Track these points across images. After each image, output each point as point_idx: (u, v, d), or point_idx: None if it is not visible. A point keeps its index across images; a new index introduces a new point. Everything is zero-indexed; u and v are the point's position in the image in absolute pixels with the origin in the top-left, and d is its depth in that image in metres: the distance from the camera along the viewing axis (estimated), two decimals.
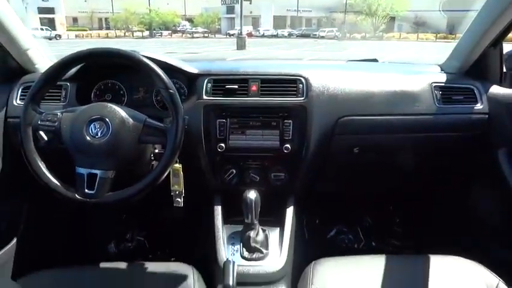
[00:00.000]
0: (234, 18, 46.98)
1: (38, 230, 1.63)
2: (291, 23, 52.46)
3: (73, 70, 1.27)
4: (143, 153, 1.17)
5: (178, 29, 45.93)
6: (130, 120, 1.06)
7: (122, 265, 1.17)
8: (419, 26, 38.59)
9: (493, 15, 1.30)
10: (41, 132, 1.07)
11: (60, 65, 1.08)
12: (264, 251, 1.22)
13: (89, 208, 1.70)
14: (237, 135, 1.36)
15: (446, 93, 1.44)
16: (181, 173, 1.18)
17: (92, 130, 1.03)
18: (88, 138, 1.02)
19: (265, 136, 1.35)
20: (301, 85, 1.35)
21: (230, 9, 48.95)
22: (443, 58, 1.62)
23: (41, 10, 39.99)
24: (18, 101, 1.37)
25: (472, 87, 1.46)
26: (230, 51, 19.39)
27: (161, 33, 42.37)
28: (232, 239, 1.29)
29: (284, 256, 1.22)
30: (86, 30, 41.88)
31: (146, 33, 42.03)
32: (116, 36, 39.09)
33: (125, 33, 41.28)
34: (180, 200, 1.21)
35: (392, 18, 39.68)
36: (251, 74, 1.38)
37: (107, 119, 1.04)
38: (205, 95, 1.35)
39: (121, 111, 1.06)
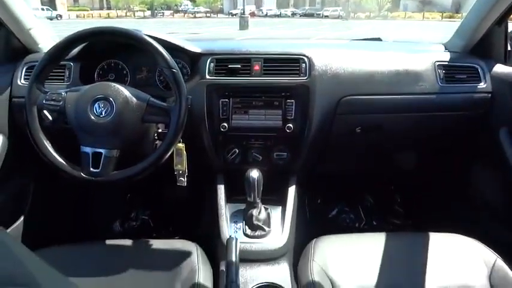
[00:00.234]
0: None
1: (44, 209, 1.65)
2: (295, 2, 51.67)
3: (76, 50, 1.27)
4: (147, 132, 1.18)
5: (180, 9, 45.39)
6: (134, 99, 1.06)
7: (128, 242, 1.19)
8: (425, 4, 37.95)
9: None
10: (46, 112, 1.08)
11: (64, 44, 1.08)
12: (266, 228, 1.24)
13: (93, 187, 1.72)
14: (240, 115, 1.36)
15: (450, 72, 1.43)
16: (185, 152, 1.19)
17: (96, 109, 1.04)
18: (92, 117, 1.04)
19: (267, 116, 1.36)
20: (304, 64, 1.35)
21: None
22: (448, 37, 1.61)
23: None
24: (23, 81, 1.38)
25: (475, 66, 1.45)
26: (232, 32, 19.16)
27: (163, 13, 41.90)
28: (235, 217, 1.31)
29: (286, 234, 1.24)
30: (87, 10, 41.45)
31: (148, 13, 41.54)
32: (117, 16, 38.65)
33: (126, 13, 40.81)
34: (184, 180, 1.23)
35: None
36: (254, 54, 1.37)
37: (111, 99, 1.05)
38: (208, 74, 1.34)
39: (125, 91, 1.06)
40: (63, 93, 1.08)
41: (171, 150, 1.08)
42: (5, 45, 1.42)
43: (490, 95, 1.43)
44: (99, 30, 1.09)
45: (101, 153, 1.04)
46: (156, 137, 1.22)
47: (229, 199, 1.37)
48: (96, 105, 1.05)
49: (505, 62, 1.47)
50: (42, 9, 29.49)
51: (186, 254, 1.11)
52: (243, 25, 20.43)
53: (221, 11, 48.09)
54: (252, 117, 1.36)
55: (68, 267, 0.59)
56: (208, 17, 41.21)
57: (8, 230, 1.43)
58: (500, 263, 1.06)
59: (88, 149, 1.05)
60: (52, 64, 1.10)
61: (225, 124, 1.35)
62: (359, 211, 2.09)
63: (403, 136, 1.52)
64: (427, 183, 1.98)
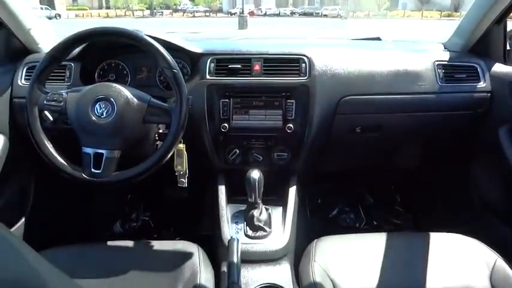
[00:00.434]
0: None
1: (45, 210, 1.65)
2: (294, 1, 51.65)
3: (76, 50, 1.27)
4: (148, 133, 1.18)
5: (179, 8, 45.35)
6: (135, 100, 1.06)
7: (129, 243, 1.19)
8: (424, 3, 37.96)
9: None
10: (47, 112, 1.08)
11: (64, 44, 1.08)
12: (268, 229, 1.24)
13: (94, 188, 1.72)
14: (240, 115, 1.36)
15: (449, 71, 1.43)
16: (185, 153, 1.19)
17: (97, 110, 1.04)
18: (93, 118, 1.04)
19: (268, 116, 1.36)
20: (304, 64, 1.35)
21: None
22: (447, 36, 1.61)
23: None
24: (23, 81, 1.38)
25: (475, 65, 1.46)
26: (231, 31, 19.14)
27: (162, 12, 41.88)
28: (236, 217, 1.30)
29: (287, 234, 1.24)
30: (85, 10, 41.40)
31: (147, 12, 41.51)
32: (116, 16, 38.64)
33: (125, 13, 40.79)
34: (184, 180, 1.23)
35: None
36: (254, 54, 1.38)
37: (112, 99, 1.05)
38: (209, 74, 1.34)
39: (126, 91, 1.06)
40: (64, 93, 1.08)
41: (172, 151, 1.08)
42: (6, 45, 1.41)
43: (489, 94, 1.43)
44: (100, 31, 1.09)
45: (102, 154, 1.04)
46: (156, 138, 1.22)
47: (230, 200, 1.37)
48: (97, 105, 1.05)
49: (504, 61, 1.48)
50: (41, 8, 29.46)
51: (188, 255, 1.11)
52: (242, 24, 20.41)
53: (220, 10, 48.07)
54: (252, 117, 1.36)
55: (69, 269, 0.59)
56: (208, 16, 41.20)
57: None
58: (501, 263, 1.06)
59: (89, 150, 1.05)
60: (53, 64, 1.10)
61: (226, 124, 1.35)
62: (359, 211, 2.09)
63: (403, 136, 1.52)
64: (427, 182, 1.99)
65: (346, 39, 2.01)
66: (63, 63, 1.26)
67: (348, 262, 1.09)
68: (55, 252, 1.11)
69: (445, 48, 1.58)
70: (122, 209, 2.05)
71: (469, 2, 1.48)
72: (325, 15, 36.57)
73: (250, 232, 1.23)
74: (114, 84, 1.08)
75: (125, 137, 1.07)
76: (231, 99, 1.35)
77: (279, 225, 1.28)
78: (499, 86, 1.42)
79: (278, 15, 40.73)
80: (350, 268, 1.07)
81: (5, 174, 1.32)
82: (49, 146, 1.07)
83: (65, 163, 1.07)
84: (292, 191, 1.39)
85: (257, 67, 1.35)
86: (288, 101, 1.35)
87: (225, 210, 1.32)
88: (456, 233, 1.19)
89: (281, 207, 1.36)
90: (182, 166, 1.20)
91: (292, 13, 42.49)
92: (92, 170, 1.04)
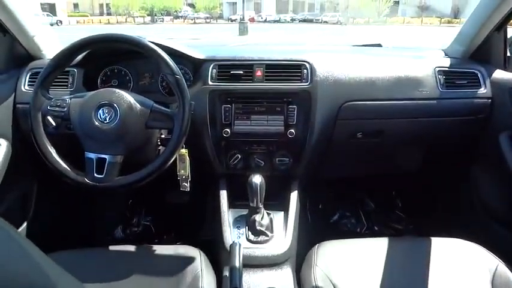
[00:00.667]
0: (236, 3, 46.43)
1: (47, 215, 1.66)
2: (294, 7, 51.86)
3: (80, 56, 1.28)
4: (150, 138, 1.18)
5: (180, 15, 45.50)
6: (138, 105, 1.07)
7: (131, 248, 1.19)
8: (424, 10, 38.12)
9: None
10: (50, 118, 1.09)
11: (68, 50, 1.09)
12: (269, 234, 1.24)
13: (96, 193, 1.72)
14: (242, 121, 1.37)
15: (450, 77, 1.44)
16: (188, 158, 1.20)
17: (100, 115, 1.05)
18: (97, 123, 1.04)
19: (269, 121, 1.36)
20: (305, 70, 1.36)
21: None
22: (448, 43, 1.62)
23: None
24: (27, 87, 1.39)
25: (475, 71, 1.47)
26: (232, 37, 19.22)
27: (163, 18, 41.98)
28: (237, 222, 1.31)
29: (289, 239, 1.24)
30: (87, 16, 41.50)
31: (148, 18, 41.63)
32: (117, 22, 38.73)
33: (126, 19, 40.88)
34: (187, 185, 1.24)
35: (396, 2, 39.23)
36: (256, 60, 1.38)
37: (115, 105, 1.05)
38: (211, 80, 1.35)
39: (129, 97, 1.07)
40: (67, 99, 1.09)
41: (175, 156, 1.09)
42: (9, 51, 1.43)
43: (490, 100, 1.44)
44: (103, 37, 1.10)
45: (105, 159, 1.05)
46: (159, 143, 1.23)
47: (231, 204, 1.38)
48: (101, 111, 1.06)
49: (504, 68, 1.49)
50: (43, 15, 29.57)
51: (189, 260, 1.11)
52: (243, 30, 20.48)
53: (221, 17, 48.22)
54: (254, 122, 1.37)
55: (71, 273, 0.60)
56: (208, 22, 41.32)
57: None
58: (503, 268, 1.07)
59: (92, 155, 1.05)
60: (57, 70, 1.11)
61: (228, 130, 1.35)
62: (360, 216, 2.09)
63: (403, 141, 1.53)
64: (428, 187, 1.99)
65: (347, 45, 2.02)
66: (67, 69, 1.28)
67: (349, 267, 1.09)
68: (57, 257, 1.11)
69: (445, 54, 1.59)
70: (123, 214, 2.05)
71: (469, 9, 1.49)
72: (325, 22, 36.67)
73: (252, 237, 1.24)
74: (117, 90, 1.08)
75: (127, 142, 1.07)
76: (233, 104, 1.36)
77: (281, 230, 1.29)
78: (499, 92, 1.42)
79: (278, 21, 40.80)
80: (352, 273, 1.07)
81: (8, 179, 1.33)
82: (52, 151, 1.08)
83: (68, 168, 1.07)
84: (294, 195, 1.39)
85: (259, 73, 1.36)
86: (290, 106, 1.36)
87: (227, 215, 1.32)
88: (457, 238, 1.19)
89: (282, 212, 1.36)
90: (185, 171, 1.21)
91: (293, 19, 42.58)
92: (95, 175, 1.05)
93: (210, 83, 1.35)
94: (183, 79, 1.08)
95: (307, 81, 1.35)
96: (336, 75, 1.38)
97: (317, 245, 1.19)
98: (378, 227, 2.05)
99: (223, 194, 1.39)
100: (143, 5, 41.81)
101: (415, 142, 1.56)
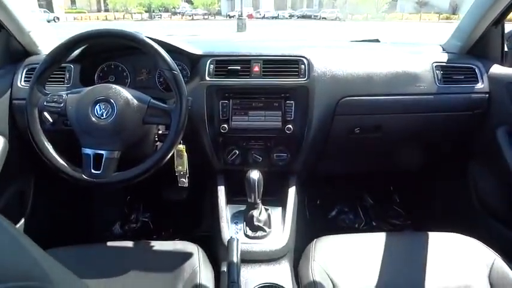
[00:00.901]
0: None
1: (45, 211, 1.65)
2: (292, 3, 51.77)
3: (76, 52, 1.27)
4: (147, 134, 1.18)
5: (178, 11, 45.40)
6: (135, 101, 1.07)
7: (129, 244, 1.19)
8: (422, 6, 38.08)
9: None
10: (46, 114, 1.08)
11: (65, 46, 1.08)
12: (267, 229, 1.24)
13: (94, 189, 1.72)
14: (240, 116, 1.37)
15: (448, 72, 1.44)
16: (185, 153, 1.20)
17: (97, 111, 1.05)
18: (93, 119, 1.04)
19: (267, 117, 1.36)
20: (303, 66, 1.36)
21: None
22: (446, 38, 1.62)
23: None
24: (23, 83, 1.38)
25: (473, 66, 1.47)
26: (230, 34, 19.16)
27: (161, 15, 41.94)
28: (235, 218, 1.31)
29: (286, 234, 1.24)
30: (84, 13, 41.40)
31: (145, 15, 41.53)
32: (115, 19, 38.63)
33: (123, 16, 40.78)
34: (185, 181, 1.23)
35: None
36: (253, 55, 1.38)
37: (112, 100, 1.05)
38: (208, 76, 1.35)
39: (126, 92, 1.07)
40: (64, 95, 1.09)
41: (172, 152, 1.09)
42: (5, 47, 1.42)
43: (487, 95, 1.44)
44: (100, 32, 1.09)
45: (102, 154, 1.04)
46: (156, 139, 1.23)
47: (229, 200, 1.38)
48: (97, 107, 1.05)
49: (501, 63, 1.49)
50: (40, 11, 29.42)
51: (187, 255, 1.11)
52: (241, 27, 20.49)
53: (219, 13, 48.19)
54: (251, 118, 1.37)
55: (69, 269, 0.59)
56: (206, 19, 41.22)
57: None
58: (500, 262, 1.07)
59: (89, 151, 1.05)
60: (53, 66, 1.10)
61: (225, 125, 1.35)
62: (358, 211, 2.09)
63: (401, 136, 1.53)
64: (426, 183, 1.99)
65: (345, 41, 2.02)
66: (63, 65, 1.27)
67: (347, 261, 1.10)
68: (55, 253, 1.11)
69: (443, 49, 1.59)
70: (121, 211, 2.05)
71: (467, 5, 1.49)
72: (324, 18, 36.67)
73: (249, 232, 1.24)
74: (114, 86, 1.08)
75: (124, 137, 1.07)
76: (231, 100, 1.36)
77: (279, 225, 1.29)
78: (496, 87, 1.43)
79: (277, 18, 40.78)
80: (349, 267, 1.08)
81: (5, 175, 1.32)
82: (49, 147, 1.08)
83: (65, 164, 1.07)
84: (292, 191, 1.40)
85: (256, 68, 1.36)
86: (287, 102, 1.35)
87: (225, 211, 1.32)
88: (455, 232, 1.19)
89: (280, 208, 1.36)
90: (183, 166, 1.21)
91: (291, 16, 42.57)
92: (92, 170, 1.04)
93: (207, 78, 1.35)
94: (180, 75, 1.08)
95: (304, 77, 1.35)
96: (334, 70, 1.38)
97: (315, 239, 1.19)
98: (376, 222, 2.06)
99: (221, 190, 1.39)
100: (141, 1, 41.70)
101: (413, 137, 1.56)
